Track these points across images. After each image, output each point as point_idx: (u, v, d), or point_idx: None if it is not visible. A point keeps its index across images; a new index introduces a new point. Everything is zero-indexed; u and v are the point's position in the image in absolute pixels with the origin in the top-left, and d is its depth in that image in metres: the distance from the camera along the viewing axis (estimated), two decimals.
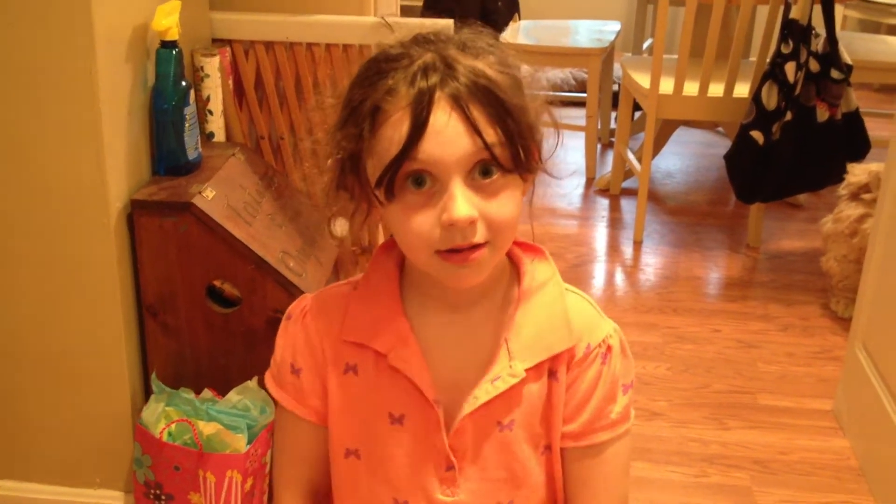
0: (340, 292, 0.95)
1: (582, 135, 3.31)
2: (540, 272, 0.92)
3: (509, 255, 0.92)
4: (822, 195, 3.02)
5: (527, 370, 0.89)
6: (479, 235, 0.80)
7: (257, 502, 1.47)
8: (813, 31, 2.50)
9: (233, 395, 1.45)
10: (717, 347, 2.28)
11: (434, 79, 0.78)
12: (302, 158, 1.85)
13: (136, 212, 1.43)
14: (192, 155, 1.51)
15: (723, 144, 3.30)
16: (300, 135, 1.83)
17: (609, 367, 0.92)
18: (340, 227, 0.92)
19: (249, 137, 1.81)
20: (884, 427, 1.72)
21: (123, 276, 1.45)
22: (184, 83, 1.48)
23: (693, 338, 2.32)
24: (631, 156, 3.03)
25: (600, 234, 2.96)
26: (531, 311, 0.90)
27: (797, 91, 2.50)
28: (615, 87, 3.62)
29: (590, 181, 3.34)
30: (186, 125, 1.49)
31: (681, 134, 3.61)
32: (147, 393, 1.53)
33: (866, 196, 2.30)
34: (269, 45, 1.75)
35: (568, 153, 3.46)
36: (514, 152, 0.80)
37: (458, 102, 0.77)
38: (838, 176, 2.43)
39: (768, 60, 2.57)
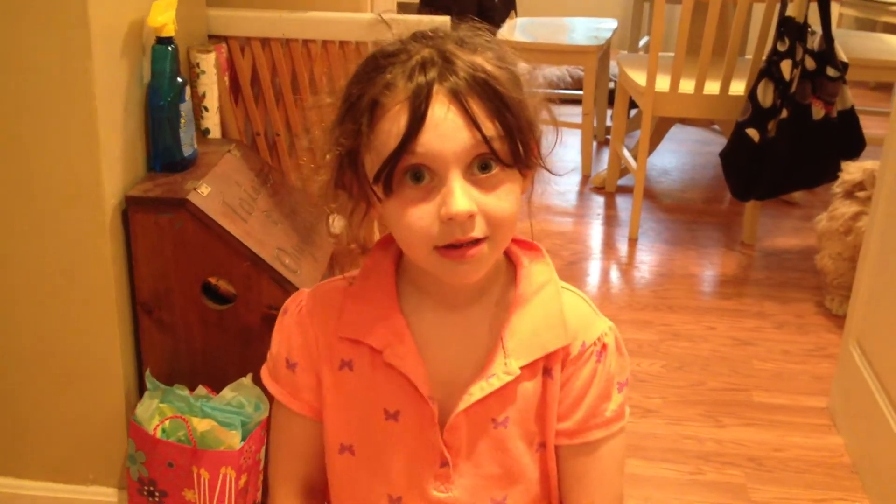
0: (336, 288, 0.95)
1: (578, 132, 3.31)
2: (537, 274, 0.92)
3: (507, 254, 0.92)
4: (817, 193, 3.03)
5: (522, 368, 0.89)
6: (478, 230, 0.80)
7: (251, 499, 1.47)
8: (809, 29, 2.51)
9: (227, 392, 1.44)
10: (712, 345, 2.28)
11: (432, 73, 0.78)
12: (298, 155, 1.85)
13: (132, 208, 1.42)
14: (187, 151, 1.51)
15: (718, 142, 3.31)
16: (296, 131, 1.83)
17: (604, 365, 0.92)
18: (338, 224, 0.92)
19: (245, 134, 1.81)
20: (878, 424, 1.72)
21: (118, 273, 1.44)
22: (179, 80, 1.48)
23: (688, 335, 2.32)
24: (627, 153, 3.03)
25: (596, 232, 2.97)
26: (527, 309, 0.90)
27: (793, 89, 2.50)
28: (611, 85, 3.62)
29: (585, 178, 3.34)
30: (182, 122, 1.48)
31: (676, 131, 3.61)
32: (141, 390, 1.52)
33: (861, 194, 2.31)
34: (265, 42, 1.75)
35: (564, 151, 3.46)
36: (512, 147, 0.80)
37: (456, 96, 0.77)
38: (833, 174, 2.43)
39: (764, 58, 2.57)
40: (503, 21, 3.60)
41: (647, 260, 2.76)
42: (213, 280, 1.48)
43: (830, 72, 2.51)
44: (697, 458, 1.85)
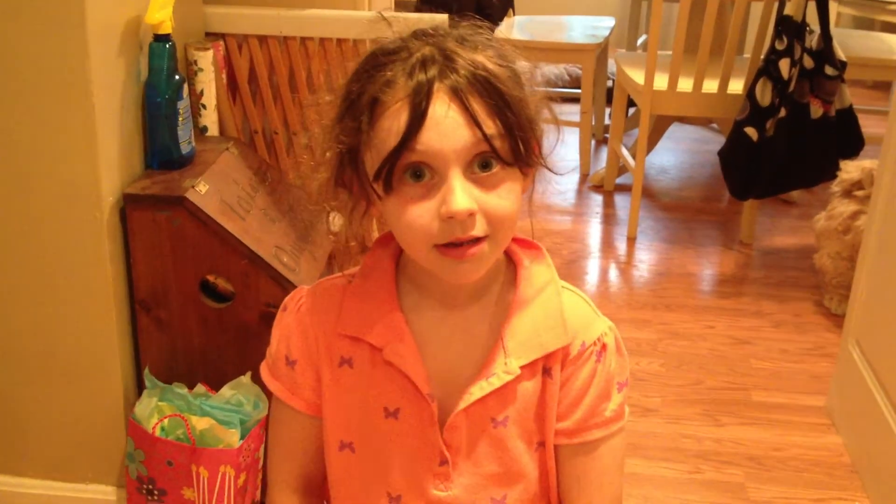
0: (336, 285, 0.94)
1: (576, 131, 3.31)
2: (538, 275, 0.92)
3: (508, 254, 0.92)
4: (816, 192, 3.03)
5: (521, 367, 0.89)
6: (479, 229, 0.80)
7: (250, 497, 1.47)
8: (807, 28, 2.51)
9: (226, 391, 1.44)
10: (710, 344, 2.28)
11: (433, 71, 0.78)
12: (297, 153, 1.84)
13: (129, 206, 1.42)
14: (185, 149, 1.51)
15: (717, 141, 3.31)
16: (294, 129, 1.83)
17: (604, 365, 0.92)
18: (337, 222, 0.92)
19: (243, 132, 1.80)
20: (876, 423, 1.72)
21: (116, 271, 1.44)
22: (177, 77, 1.47)
23: (686, 334, 2.32)
24: (625, 152, 3.03)
25: (594, 231, 2.96)
26: (528, 309, 0.90)
27: (791, 88, 2.50)
28: (609, 83, 3.62)
29: (584, 177, 3.34)
30: (180, 119, 1.48)
31: (675, 130, 3.61)
32: (140, 388, 1.52)
33: (859, 193, 2.31)
34: (262, 39, 1.75)
35: (562, 149, 3.44)
36: (513, 145, 0.80)
37: (457, 94, 0.77)
38: (832, 173, 2.43)
39: (762, 57, 2.57)
40: (501, 19, 3.60)
41: (645, 259, 2.76)
42: (211, 278, 1.48)
43: (829, 70, 2.51)
44: (696, 457, 1.85)
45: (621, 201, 3.16)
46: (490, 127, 0.78)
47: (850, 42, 2.99)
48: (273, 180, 1.69)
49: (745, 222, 2.85)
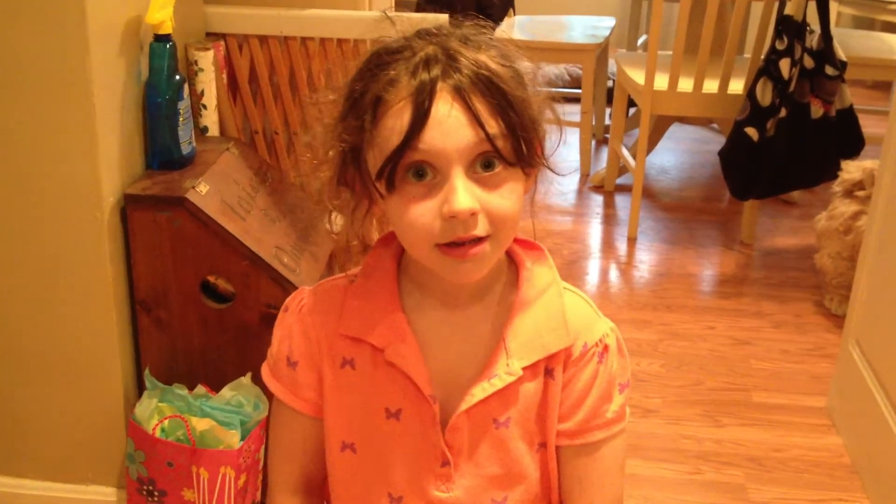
0: (337, 286, 0.94)
1: (576, 131, 3.31)
2: (540, 277, 0.92)
3: (509, 254, 0.92)
4: (816, 192, 3.03)
5: (524, 368, 0.89)
6: (481, 228, 0.80)
7: (250, 498, 1.47)
8: (807, 28, 2.51)
9: (226, 392, 1.44)
10: (710, 344, 2.28)
11: (436, 70, 0.78)
12: (299, 153, 1.84)
13: (130, 206, 1.42)
14: (185, 149, 1.50)
15: (717, 141, 3.30)
16: (294, 129, 1.83)
17: (605, 366, 0.92)
18: (339, 221, 0.92)
19: (243, 132, 1.80)
20: (877, 424, 1.72)
21: (116, 271, 1.44)
22: (178, 77, 1.47)
23: (687, 335, 2.32)
24: (625, 152, 3.03)
25: (594, 231, 2.96)
26: (530, 310, 0.90)
27: (791, 88, 2.50)
28: (610, 83, 3.61)
29: (584, 177, 3.34)
30: (180, 119, 1.48)
31: (675, 130, 3.61)
32: (140, 389, 1.52)
33: (860, 193, 2.31)
34: (263, 39, 1.75)
35: (562, 149, 3.45)
36: (515, 145, 0.80)
37: (460, 93, 0.77)
38: (832, 173, 2.43)
39: (763, 57, 2.57)
40: (502, 19, 3.60)
41: (645, 259, 2.75)
42: (211, 279, 1.48)
43: (829, 70, 2.51)
44: (696, 457, 1.85)
45: (622, 201, 3.15)
46: (493, 126, 0.78)
47: (850, 42, 2.98)
48: (273, 180, 1.69)
49: (745, 222, 2.85)
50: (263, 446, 1.46)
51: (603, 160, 3.41)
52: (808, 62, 2.50)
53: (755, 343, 2.29)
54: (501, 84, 0.79)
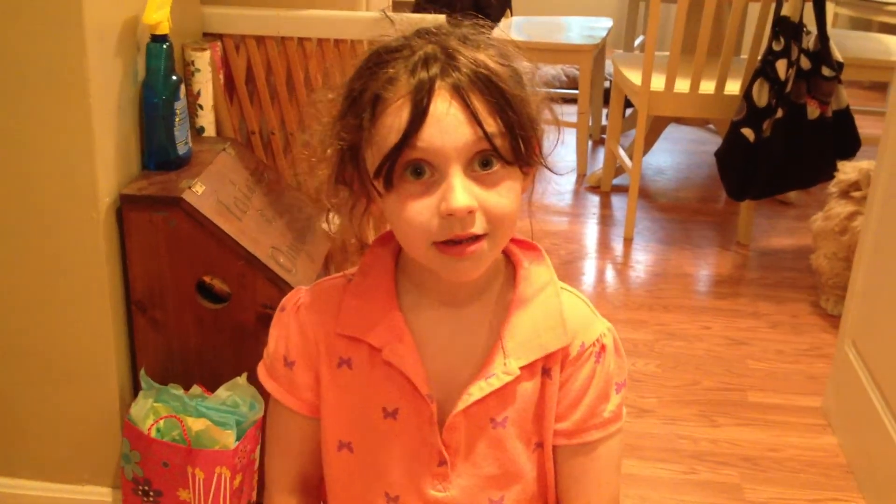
0: (335, 285, 0.94)
1: (573, 131, 3.31)
2: (537, 276, 0.92)
3: (506, 254, 0.92)
4: (813, 192, 3.03)
5: (521, 368, 0.89)
6: (478, 227, 0.80)
7: (246, 498, 1.47)
8: (804, 29, 2.51)
9: (222, 392, 1.44)
10: (706, 344, 2.28)
11: (435, 68, 0.78)
12: (297, 151, 1.84)
13: (126, 206, 1.42)
14: (182, 150, 1.50)
15: (714, 141, 3.31)
16: (291, 130, 1.83)
17: (603, 365, 0.92)
18: (336, 221, 0.92)
19: (240, 132, 1.80)
20: (872, 424, 1.73)
21: (112, 272, 1.44)
22: (174, 77, 1.47)
23: (683, 335, 2.32)
24: (622, 153, 3.03)
25: (591, 231, 2.97)
26: (527, 309, 0.90)
27: (788, 88, 2.50)
28: (606, 84, 3.62)
29: (581, 178, 3.34)
30: (177, 120, 1.48)
31: (672, 131, 3.61)
32: (135, 389, 1.52)
33: (856, 194, 2.31)
34: (260, 40, 1.75)
35: (559, 150, 3.45)
36: (514, 143, 0.80)
37: (458, 92, 0.77)
38: (828, 173, 2.44)
39: (759, 58, 2.57)
40: (499, 20, 3.59)
41: (642, 259, 2.76)
42: (207, 279, 1.48)
43: (825, 71, 2.52)
44: (692, 457, 1.85)
45: (618, 202, 3.16)
46: (491, 125, 0.78)
47: (847, 43, 2.99)
48: (270, 181, 1.69)
49: (741, 223, 2.85)
50: (259, 446, 1.46)
51: (599, 161, 3.41)
52: (805, 63, 2.51)
53: (751, 343, 2.29)
54: (500, 83, 0.79)
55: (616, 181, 3.24)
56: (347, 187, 0.87)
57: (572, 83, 3.32)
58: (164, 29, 1.43)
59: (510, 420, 0.90)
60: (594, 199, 3.19)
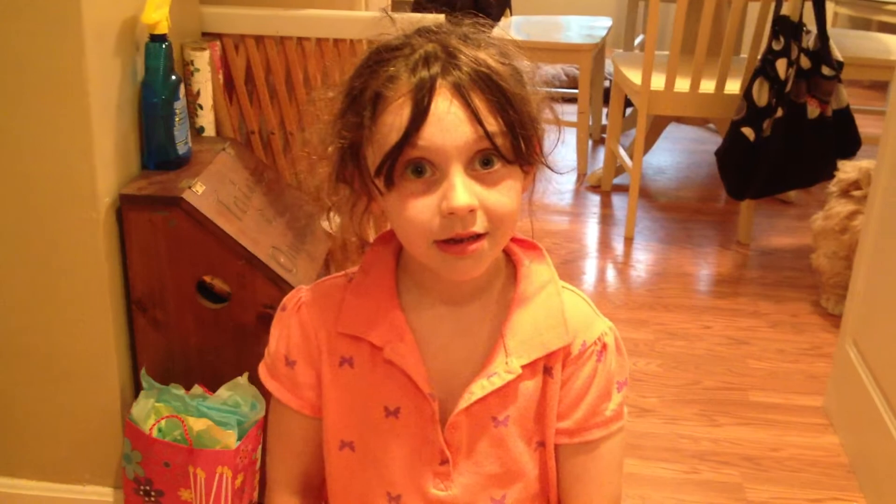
0: (336, 284, 0.94)
1: (573, 131, 3.31)
2: (538, 274, 0.92)
3: (507, 253, 0.92)
4: (813, 192, 3.03)
5: (523, 367, 0.89)
6: (479, 225, 0.80)
7: (247, 498, 1.46)
8: (804, 28, 2.51)
9: (223, 391, 1.44)
10: (707, 344, 2.28)
11: (436, 67, 0.78)
12: (298, 149, 1.84)
13: (125, 206, 1.41)
14: (181, 149, 1.50)
15: (714, 141, 3.31)
16: (291, 129, 1.83)
17: (604, 364, 0.92)
18: (336, 220, 0.92)
19: (239, 132, 1.80)
20: (873, 423, 1.72)
21: (112, 272, 1.44)
22: (173, 77, 1.47)
23: (684, 334, 2.32)
24: (622, 152, 3.03)
25: (591, 231, 2.96)
26: (528, 308, 0.90)
27: (788, 88, 2.50)
28: (606, 84, 3.62)
29: (581, 177, 3.34)
30: (176, 119, 1.48)
31: (672, 130, 3.62)
32: (136, 389, 1.52)
33: (856, 193, 2.31)
34: (259, 40, 1.74)
35: (559, 150, 3.45)
36: (514, 142, 0.80)
37: (459, 90, 0.77)
38: (829, 173, 2.44)
39: (759, 57, 2.57)
40: (499, 19, 3.60)
41: (642, 259, 2.76)
42: (207, 279, 1.47)
43: (825, 70, 2.52)
44: (693, 457, 1.85)
45: (618, 201, 3.16)
46: (492, 124, 0.78)
47: (846, 42, 2.99)
48: (270, 180, 1.69)
49: (742, 222, 2.85)
50: (260, 446, 1.46)
51: (600, 160, 3.41)
52: (805, 62, 2.51)
53: (752, 343, 2.29)
54: (501, 82, 0.79)
55: (616, 180, 3.24)
56: (348, 185, 0.87)
57: (572, 83, 3.32)
58: (163, 28, 1.43)
59: (512, 419, 0.90)
60: (594, 199, 3.19)
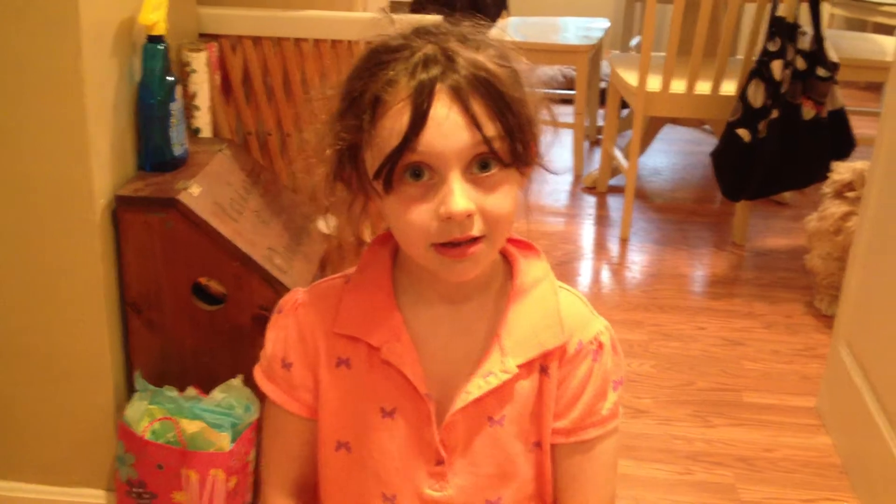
0: (333, 285, 0.95)
1: (569, 132, 3.31)
2: (534, 269, 0.93)
3: (503, 252, 0.92)
4: (807, 193, 3.03)
5: (519, 366, 0.89)
6: (477, 229, 0.81)
7: (241, 501, 1.47)
8: (799, 29, 2.51)
9: (217, 394, 1.44)
10: (702, 345, 2.28)
11: (435, 71, 0.78)
12: (291, 154, 1.84)
13: (121, 208, 1.42)
14: (178, 151, 1.50)
15: (709, 142, 3.31)
16: (288, 131, 1.83)
17: (600, 363, 0.92)
18: (331, 222, 0.92)
19: (236, 133, 1.80)
20: (866, 424, 1.73)
21: (107, 273, 1.44)
22: (170, 78, 1.47)
23: (678, 335, 2.33)
24: (618, 153, 3.03)
25: (587, 232, 2.97)
26: (524, 307, 0.91)
27: (783, 89, 2.51)
28: (603, 85, 3.62)
29: (577, 178, 3.34)
30: (173, 121, 1.48)
31: (668, 132, 3.62)
32: (130, 391, 1.52)
33: (850, 194, 2.31)
34: (256, 41, 1.74)
35: (555, 151, 3.45)
36: (512, 147, 0.81)
37: (458, 95, 0.78)
38: (823, 174, 2.44)
39: (755, 58, 2.58)
40: (495, 20, 3.60)
41: (638, 260, 2.76)
42: (203, 280, 1.48)
43: (821, 72, 2.52)
44: (687, 458, 1.86)
45: (614, 203, 3.16)
46: (490, 129, 0.79)
47: (842, 43, 2.99)
48: (266, 182, 1.69)
49: (737, 223, 2.86)
50: (254, 449, 1.46)
51: (596, 161, 3.42)
52: (801, 63, 2.51)
53: (746, 343, 2.29)
54: (499, 86, 0.80)
55: (612, 182, 3.25)
56: (345, 184, 0.88)
57: (569, 84, 3.33)
58: (160, 29, 1.43)
59: (508, 418, 0.91)
60: (590, 200, 3.19)
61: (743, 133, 2.56)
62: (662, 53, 2.71)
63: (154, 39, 1.44)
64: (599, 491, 0.94)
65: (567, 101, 3.31)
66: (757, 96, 2.53)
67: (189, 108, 1.63)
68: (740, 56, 2.74)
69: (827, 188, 2.40)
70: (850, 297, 1.92)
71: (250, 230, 1.50)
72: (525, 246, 0.95)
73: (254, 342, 1.45)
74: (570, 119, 3.27)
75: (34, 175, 1.37)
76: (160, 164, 1.49)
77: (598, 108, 3.65)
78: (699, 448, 1.89)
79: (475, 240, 0.81)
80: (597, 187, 3.24)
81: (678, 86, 2.72)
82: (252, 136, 1.82)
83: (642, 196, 3.21)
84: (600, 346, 0.93)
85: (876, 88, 4.36)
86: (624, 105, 3.15)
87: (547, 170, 0.90)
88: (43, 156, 1.36)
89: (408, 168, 0.80)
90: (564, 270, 2.66)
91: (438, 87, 0.78)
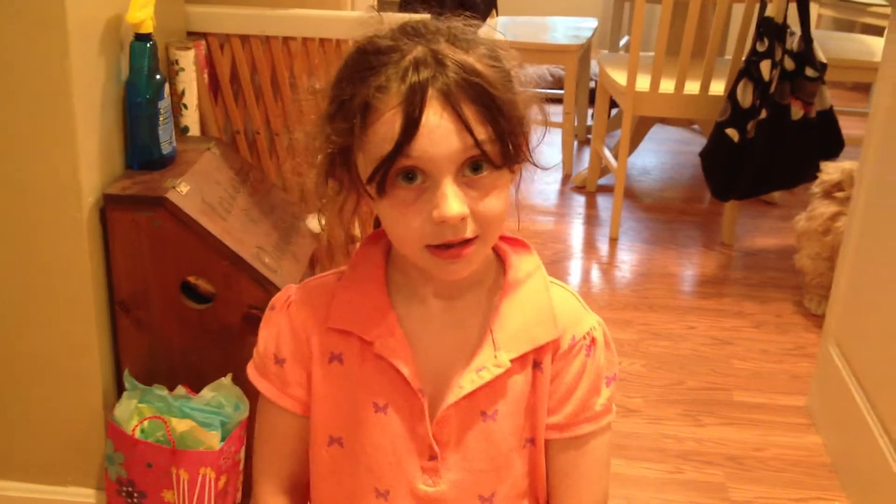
0: (326, 282, 0.95)
1: (558, 131, 3.31)
2: (525, 264, 0.93)
3: (494, 248, 0.93)
4: (796, 193, 3.04)
5: (512, 361, 0.89)
6: (470, 231, 0.81)
7: (231, 499, 1.46)
8: (788, 30, 2.52)
9: (206, 392, 1.43)
10: (691, 344, 2.29)
11: (425, 74, 0.78)
12: (279, 153, 1.84)
13: (109, 206, 1.41)
14: (166, 149, 1.50)
15: (698, 142, 3.32)
16: (276, 129, 1.82)
17: (593, 359, 0.93)
18: (319, 221, 0.92)
19: (225, 132, 1.79)
20: (856, 423, 1.74)
21: (96, 272, 1.43)
22: (158, 77, 1.46)
23: (668, 334, 2.33)
24: (607, 153, 3.04)
25: (576, 231, 2.97)
26: (517, 302, 0.91)
27: (772, 89, 2.51)
28: (592, 84, 3.62)
29: (566, 178, 3.35)
30: (161, 119, 1.47)
31: (657, 131, 3.62)
32: (119, 389, 1.51)
33: (839, 194, 2.32)
34: (244, 39, 1.74)
35: (544, 150, 3.45)
36: (503, 149, 0.81)
37: (449, 100, 0.78)
38: (812, 174, 2.45)
39: (744, 58, 2.58)
40: (485, 20, 3.60)
41: (627, 259, 2.76)
42: (192, 279, 1.47)
43: (809, 72, 2.53)
44: (677, 457, 1.86)
45: (603, 202, 3.16)
46: (481, 133, 0.79)
47: (830, 44, 3.01)
48: (255, 181, 1.68)
49: (726, 223, 2.86)
50: (244, 447, 1.45)
51: (585, 161, 3.42)
52: (789, 64, 2.52)
53: (736, 343, 2.30)
54: (490, 88, 0.79)
55: (601, 181, 3.25)
56: (337, 182, 0.87)
57: (557, 83, 3.33)
58: (147, 28, 1.42)
59: (501, 413, 0.91)
60: (579, 199, 3.19)
61: (732, 133, 2.57)
62: (651, 53, 2.72)
63: (142, 37, 1.43)
64: (593, 486, 0.94)
65: (556, 100, 3.32)
66: (745, 96, 2.54)
67: (177, 107, 1.62)
68: (729, 56, 2.74)
69: (816, 188, 2.41)
70: (840, 296, 1.93)
71: (239, 229, 1.49)
72: (516, 242, 0.95)
73: (243, 341, 1.44)
74: (559, 118, 3.27)
75: (22, 174, 1.36)
76: (148, 162, 1.48)
77: (587, 107, 3.65)
78: (689, 447, 1.89)
79: (468, 241, 0.81)
80: (586, 187, 3.24)
81: (667, 86, 2.73)
82: (240, 135, 1.82)
83: (631, 195, 3.21)
84: (593, 341, 0.93)
85: (864, 89, 4.38)
86: (613, 104, 3.16)
87: (538, 167, 0.90)
88: (30, 154, 1.35)
89: (400, 172, 0.80)
90: (554, 270, 2.65)
91: (430, 93, 0.78)
